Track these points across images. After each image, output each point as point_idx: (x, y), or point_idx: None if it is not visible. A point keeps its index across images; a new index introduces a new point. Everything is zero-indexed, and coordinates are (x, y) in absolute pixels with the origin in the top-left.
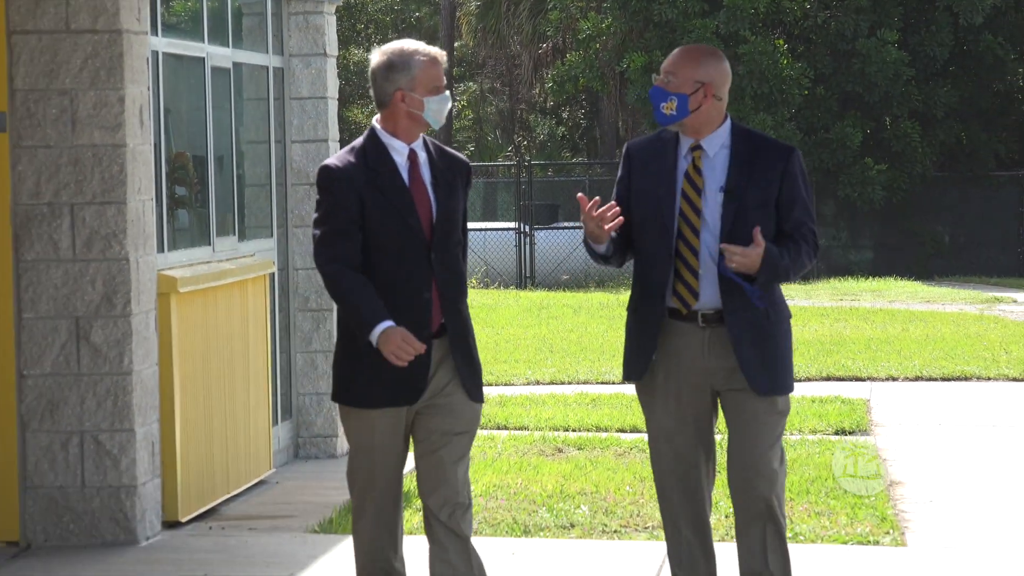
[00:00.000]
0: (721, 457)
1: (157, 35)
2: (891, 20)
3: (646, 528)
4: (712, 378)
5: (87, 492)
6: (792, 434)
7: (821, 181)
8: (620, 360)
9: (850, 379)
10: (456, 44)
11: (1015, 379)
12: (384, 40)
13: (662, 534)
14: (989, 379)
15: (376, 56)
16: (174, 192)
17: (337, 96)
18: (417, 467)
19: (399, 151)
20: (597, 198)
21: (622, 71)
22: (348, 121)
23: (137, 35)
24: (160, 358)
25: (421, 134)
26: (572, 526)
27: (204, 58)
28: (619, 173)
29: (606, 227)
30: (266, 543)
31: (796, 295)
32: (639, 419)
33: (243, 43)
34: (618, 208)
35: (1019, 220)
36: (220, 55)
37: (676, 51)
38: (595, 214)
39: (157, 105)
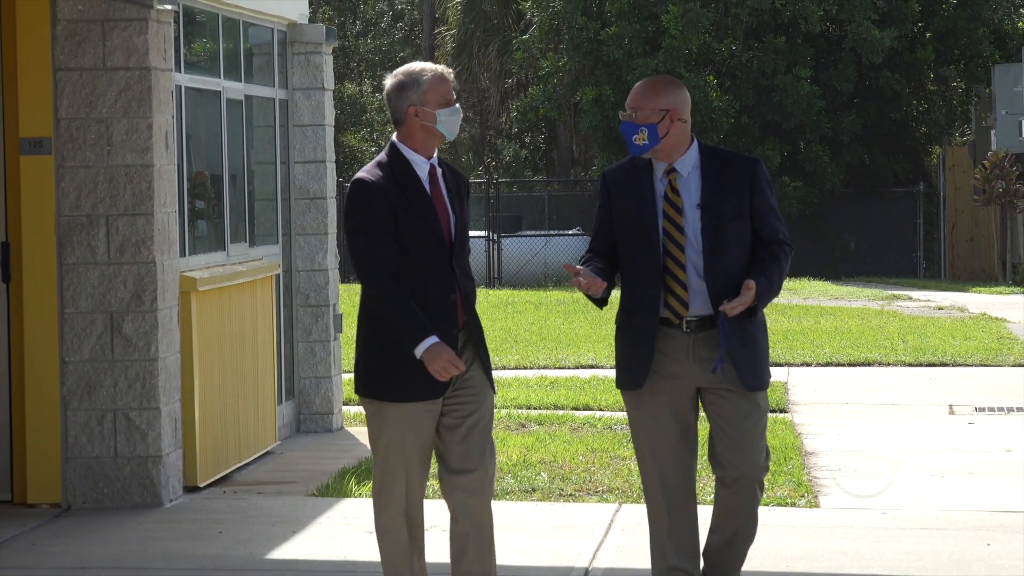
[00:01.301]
0: (703, 451)
1: (180, 72)
2: (804, 59)
3: (597, 492)
4: (696, 379)
5: (119, 461)
6: None
7: None
8: (574, 349)
9: (783, 364)
10: None
11: (910, 364)
12: (373, 76)
13: (611, 497)
14: (889, 364)
15: (389, 79)
16: (194, 205)
17: (333, 124)
18: (449, 452)
19: (421, 166)
20: (580, 268)
21: (576, 102)
22: (342, 145)
23: (163, 72)
24: (182, 347)
25: (436, 148)
26: (534, 490)
27: (220, 91)
28: (599, 200)
29: (595, 290)
30: (272, 505)
31: None
32: (591, 399)
33: (254, 79)
34: (601, 282)
35: (914, 229)
36: (234, 89)
37: (636, 87)
38: (584, 285)
39: (180, 131)
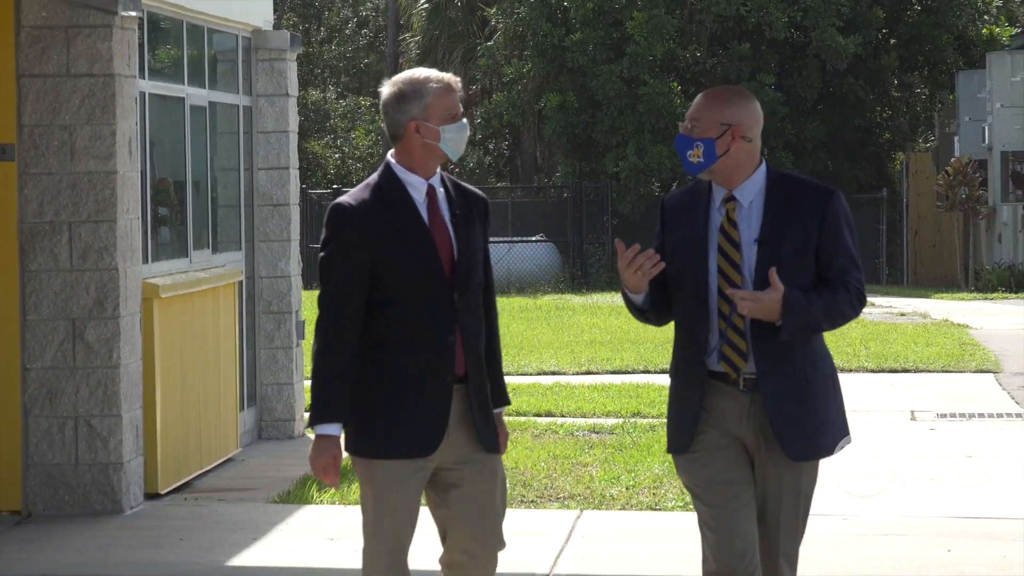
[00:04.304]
0: None
1: (144, 78)
2: (768, 66)
3: (559, 498)
4: (753, 446)
5: (80, 468)
6: None
7: None
8: (536, 355)
9: None
10: None
11: (872, 370)
12: (338, 82)
13: (572, 503)
14: (851, 371)
15: (387, 88)
16: (157, 212)
17: (297, 130)
18: (456, 532)
19: (417, 187)
20: (637, 245)
21: (540, 109)
22: (306, 152)
23: (127, 78)
24: (144, 353)
25: (439, 168)
26: None
27: (184, 98)
28: (657, 228)
29: (644, 275)
30: (233, 512)
31: None
32: (553, 405)
33: (217, 85)
34: (657, 256)
35: (876, 235)
36: (197, 95)
37: (700, 96)
38: (632, 261)
39: (143, 138)
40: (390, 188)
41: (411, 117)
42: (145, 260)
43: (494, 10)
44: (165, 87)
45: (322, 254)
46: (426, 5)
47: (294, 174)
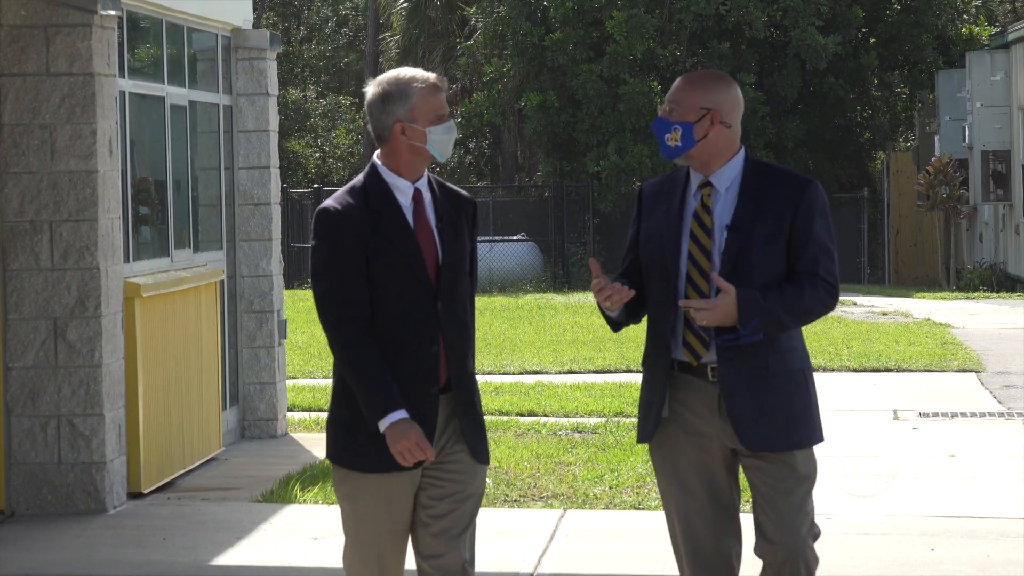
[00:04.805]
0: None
1: (124, 77)
2: (748, 65)
3: (542, 498)
4: (728, 439)
5: (63, 468)
6: None
7: None
8: (519, 354)
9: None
10: None
11: (854, 370)
12: (318, 81)
13: (556, 502)
14: (834, 370)
15: (371, 88)
16: (138, 211)
17: (277, 129)
18: (419, 533)
19: (403, 191)
20: (600, 279)
21: (520, 108)
22: (287, 151)
23: (107, 77)
24: (126, 353)
25: (426, 170)
26: None
27: (164, 97)
28: (633, 214)
29: (613, 304)
30: (216, 511)
31: None
32: (536, 405)
33: (197, 84)
34: (625, 288)
35: (858, 235)
36: (178, 94)
37: (680, 79)
38: (602, 290)
39: (124, 137)
40: (375, 191)
41: (396, 118)
42: (126, 259)
43: (474, 9)
44: (145, 86)
45: (313, 261)
46: (405, 4)
47: (275, 173)
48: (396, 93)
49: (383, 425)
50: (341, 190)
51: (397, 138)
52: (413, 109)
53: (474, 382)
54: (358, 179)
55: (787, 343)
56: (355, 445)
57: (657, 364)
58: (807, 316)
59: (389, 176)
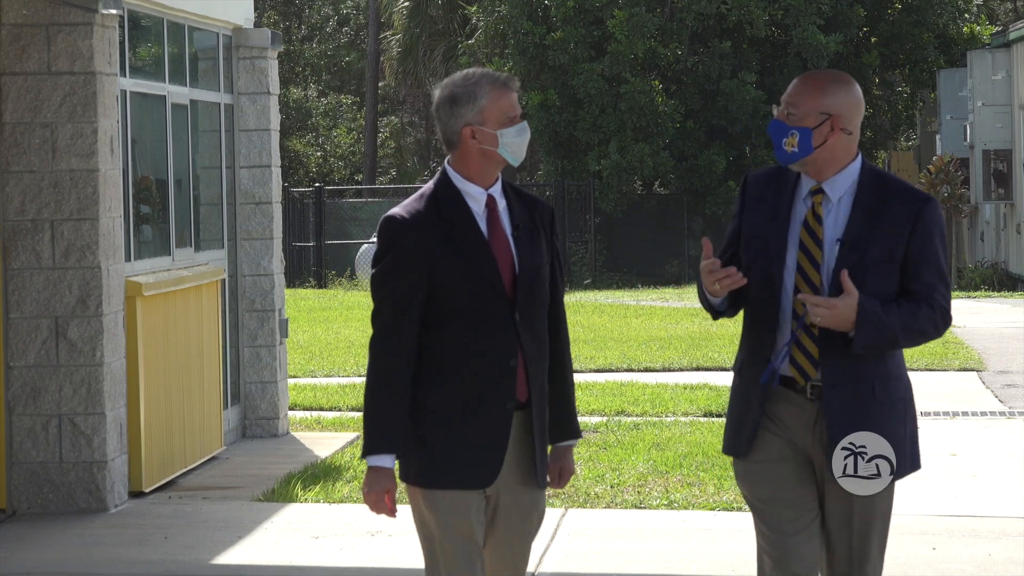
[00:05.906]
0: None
1: (125, 76)
2: (750, 64)
3: None
4: (816, 458)
5: (64, 467)
6: (667, 416)
7: (691, 201)
8: None
9: (716, 369)
10: (380, 84)
11: None
12: (319, 80)
13: (557, 502)
14: None
15: (438, 91)
16: (139, 210)
17: (279, 128)
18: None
19: (476, 197)
20: (716, 260)
21: (521, 107)
22: (288, 150)
23: (108, 76)
24: (127, 352)
25: (499, 175)
26: None
27: (165, 96)
28: (735, 207)
29: (723, 288)
30: (218, 510)
31: (670, 297)
32: None
33: (199, 83)
34: (739, 275)
35: None
36: (179, 93)
37: (797, 80)
38: (713, 272)
39: (125, 136)
40: (446, 198)
41: (466, 122)
42: (128, 258)
43: (475, 8)
44: (146, 85)
45: (374, 271)
46: (407, 3)
47: (276, 172)
48: (464, 95)
49: (368, 462)
50: (411, 197)
51: (467, 142)
52: (483, 111)
53: (547, 400)
54: (428, 185)
55: (896, 370)
56: (422, 462)
57: (756, 378)
58: (920, 337)
59: (461, 182)
